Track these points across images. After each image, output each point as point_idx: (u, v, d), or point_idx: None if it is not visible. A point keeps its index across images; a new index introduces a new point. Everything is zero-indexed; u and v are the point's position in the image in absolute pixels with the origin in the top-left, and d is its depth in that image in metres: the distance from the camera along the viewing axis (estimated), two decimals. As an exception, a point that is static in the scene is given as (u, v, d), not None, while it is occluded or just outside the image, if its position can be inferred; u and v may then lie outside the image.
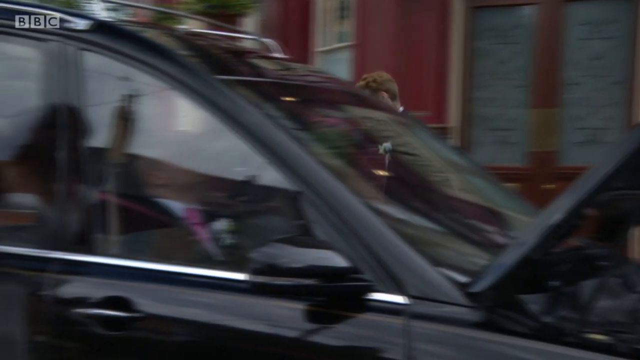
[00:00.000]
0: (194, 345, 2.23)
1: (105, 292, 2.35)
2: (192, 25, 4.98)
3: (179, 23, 6.55)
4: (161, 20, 6.60)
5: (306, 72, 3.74)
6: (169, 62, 2.47)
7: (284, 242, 2.02)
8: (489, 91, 7.23)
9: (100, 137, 2.61)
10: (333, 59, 8.77)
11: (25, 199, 2.69)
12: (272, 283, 2.00)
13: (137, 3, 5.28)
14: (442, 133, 6.44)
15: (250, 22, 8.99)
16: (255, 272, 2.00)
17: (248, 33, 4.02)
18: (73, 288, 2.42)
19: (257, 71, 3.09)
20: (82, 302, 2.37)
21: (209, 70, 2.53)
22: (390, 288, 2.07)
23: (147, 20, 5.77)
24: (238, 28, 4.80)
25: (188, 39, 3.12)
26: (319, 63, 8.83)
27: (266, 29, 8.75)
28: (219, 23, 3.94)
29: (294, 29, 9.04)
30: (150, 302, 2.30)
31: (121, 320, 2.29)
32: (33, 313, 2.44)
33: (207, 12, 7.38)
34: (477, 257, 2.40)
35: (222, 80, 2.46)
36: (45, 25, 2.59)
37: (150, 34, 2.83)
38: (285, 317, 2.12)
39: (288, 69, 3.40)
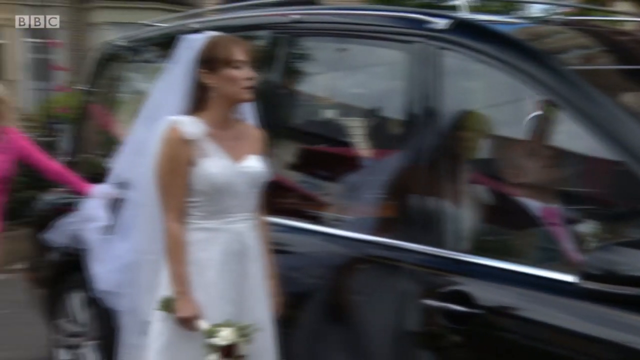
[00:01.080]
0: (532, 346, 2.13)
1: (451, 286, 2.38)
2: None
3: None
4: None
5: None
6: (541, 66, 2.34)
7: (627, 245, 1.80)
8: None
9: (457, 135, 2.64)
10: None
11: (387, 192, 2.88)
12: (610, 291, 1.80)
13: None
14: None
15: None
16: (588, 277, 1.82)
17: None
18: (424, 280, 2.50)
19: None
20: (431, 293, 2.43)
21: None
22: None
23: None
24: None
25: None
26: None
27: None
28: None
29: None
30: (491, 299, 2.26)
31: (464, 315, 2.30)
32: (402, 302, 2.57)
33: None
34: None
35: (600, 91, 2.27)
36: (410, 29, 2.71)
37: (523, 31, 2.75)
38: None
39: None
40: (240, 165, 2.55)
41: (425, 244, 2.51)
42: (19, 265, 5.19)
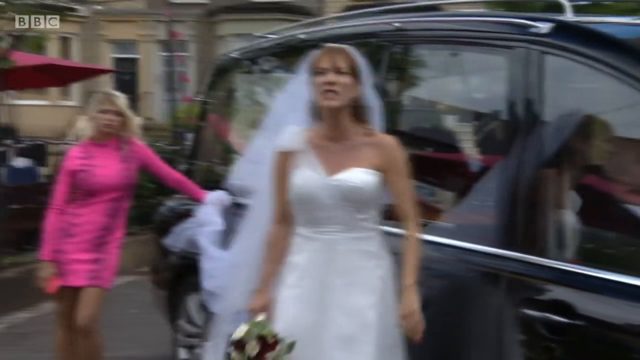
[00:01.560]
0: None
1: (551, 295, 2.32)
2: None
3: None
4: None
5: None
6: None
7: None
8: None
9: (569, 141, 2.57)
10: None
11: (482, 197, 2.83)
12: None
13: None
14: None
15: None
16: None
17: None
18: (524, 289, 2.45)
19: None
20: (531, 303, 2.38)
21: None
22: None
23: None
24: None
25: None
26: None
27: None
28: None
29: None
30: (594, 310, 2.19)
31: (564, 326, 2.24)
32: (491, 310, 2.54)
33: None
34: None
35: None
36: (512, 34, 2.67)
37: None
38: None
39: None
40: (330, 178, 2.53)
41: (529, 253, 2.46)
42: (147, 268, 5.48)
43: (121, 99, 4.04)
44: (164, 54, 19.19)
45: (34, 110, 17.85)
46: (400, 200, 2.57)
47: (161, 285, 4.63)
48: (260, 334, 2.44)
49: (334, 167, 2.55)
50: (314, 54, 2.61)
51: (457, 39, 2.94)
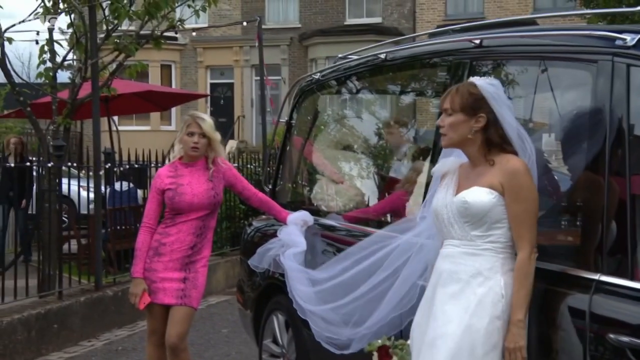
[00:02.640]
0: None
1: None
2: None
3: None
4: None
5: None
6: None
7: None
8: None
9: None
10: None
11: (566, 216, 2.72)
12: None
13: None
14: None
15: None
16: None
17: None
18: (608, 311, 2.33)
19: None
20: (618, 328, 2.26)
21: None
22: None
23: None
24: None
25: None
26: None
27: None
28: None
29: None
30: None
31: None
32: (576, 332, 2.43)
33: None
34: None
35: None
36: (597, 47, 2.57)
37: None
38: None
39: None
40: (452, 197, 2.70)
41: (614, 275, 2.34)
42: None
43: (207, 121, 4.14)
44: (257, 78, 19.61)
45: (136, 136, 18.62)
46: (512, 226, 2.58)
47: (247, 305, 4.69)
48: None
49: (462, 188, 2.71)
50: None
51: (538, 54, 2.85)
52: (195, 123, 4.09)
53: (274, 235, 4.21)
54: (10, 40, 6.49)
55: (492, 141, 2.65)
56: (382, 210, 4.05)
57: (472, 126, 2.65)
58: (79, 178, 8.32)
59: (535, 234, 2.54)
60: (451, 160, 2.82)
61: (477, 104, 2.64)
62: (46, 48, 6.86)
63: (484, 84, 2.67)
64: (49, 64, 6.95)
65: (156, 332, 4.19)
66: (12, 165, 7.98)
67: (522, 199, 2.54)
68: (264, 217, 4.91)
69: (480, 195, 2.60)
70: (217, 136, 4.15)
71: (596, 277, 2.40)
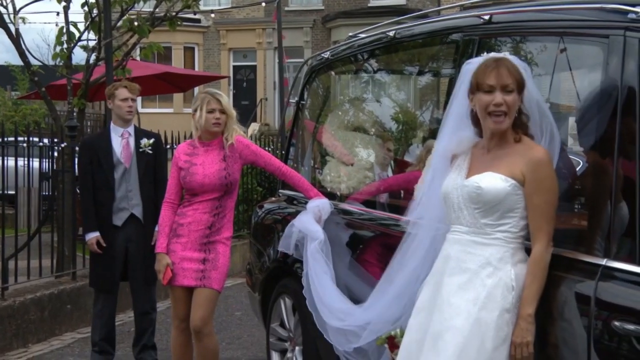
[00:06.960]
0: None
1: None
2: None
3: None
4: None
5: None
6: None
7: None
8: None
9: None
10: None
11: (573, 199, 2.61)
12: None
13: None
14: None
15: None
16: None
17: None
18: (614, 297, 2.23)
19: None
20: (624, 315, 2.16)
21: None
22: None
23: None
24: None
25: None
26: None
27: None
28: None
29: None
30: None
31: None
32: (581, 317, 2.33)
33: None
34: None
35: None
36: (608, 20, 2.44)
37: None
38: None
39: None
40: (464, 180, 2.56)
41: (621, 261, 2.24)
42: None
43: (225, 97, 4.06)
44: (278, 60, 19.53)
45: (159, 118, 18.70)
46: (531, 217, 2.46)
47: (255, 288, 4.63)
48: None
49: (475, 171, 2.56)
50: (477, 65, 2.56)
51: (547, 30, 2.73)
52: (214, 99, 3.98)
53: (285, 218, 4.12)
54: (24, 19, 6.48)
55: (519, 122, 2.51)
56: (394, 188, 3.94)
57: (519, 106, 2.49)
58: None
59: (554, 226, 2.42)
60: (466, 137, 2.64)
61: (523, 82, 2.49)
62: (64, 29, 6.85)
63: (518, 60, 2.54)
64: (65, 45, 6.94)
65: (179, 315, 4.09)
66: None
67: (544, 190, 2.42)
68: (274, 199, 4.83)
69: (494, 182, 2.46)
70: (234, 113, 4.07)
71: (603, 262, 2.30)
